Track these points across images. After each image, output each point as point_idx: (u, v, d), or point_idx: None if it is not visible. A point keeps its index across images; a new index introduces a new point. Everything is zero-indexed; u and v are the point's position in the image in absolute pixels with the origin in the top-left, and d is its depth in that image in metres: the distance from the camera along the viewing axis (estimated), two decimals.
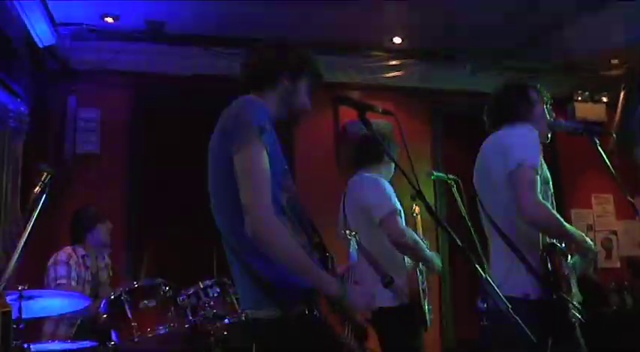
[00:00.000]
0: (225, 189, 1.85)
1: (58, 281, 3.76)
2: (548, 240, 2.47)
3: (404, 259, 3.23)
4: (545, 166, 2.53)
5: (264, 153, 1.80)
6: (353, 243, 2.83)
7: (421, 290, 3.24)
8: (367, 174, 3.29)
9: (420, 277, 3.27)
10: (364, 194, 3.23)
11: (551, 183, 2.56)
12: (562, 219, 2.40)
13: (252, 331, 1.89)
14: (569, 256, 2.54)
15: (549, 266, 2.38)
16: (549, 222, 2.37)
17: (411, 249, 3.10)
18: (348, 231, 3.05)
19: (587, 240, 2.53)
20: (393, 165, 3.32)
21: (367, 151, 3.33)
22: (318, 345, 1.77)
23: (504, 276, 2.41)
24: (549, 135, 2.71)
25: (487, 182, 2.60)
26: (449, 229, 1.86)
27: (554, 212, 2.40)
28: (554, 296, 2.36)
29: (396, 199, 3.16)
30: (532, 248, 2.44)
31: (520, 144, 2.44)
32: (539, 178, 2.39)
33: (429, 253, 3.23)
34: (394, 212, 3.09)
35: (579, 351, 2.47)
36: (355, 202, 3.28)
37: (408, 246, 3.08)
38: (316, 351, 1.77)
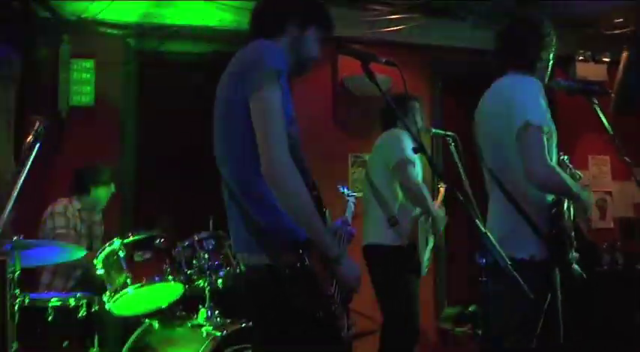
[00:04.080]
0: (234, 133, 1.85)
1: (57, 231, 3.77)
2: (551, 197, 2.43)
3: (413, 209, 3.54)
4: (549, 118, 2.43)
5: (280, 96, 1.79)
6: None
7: (421, 237, 3.51)
8: (394, 130, 3.63)
9: (424, 227, 3.53)
10: (385, 143, 3.63)
11: (555, 134, 2.47)
12: (567, 178, 2.37)
13: (245, 277, 1.92)
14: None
15: (555, 226, 2.36)
16: (557, 185, 2.33)
17: (418, 197, 3.43)
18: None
19: (588, 195, 2.48)
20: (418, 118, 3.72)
21: (389, 115, 3.71)
22: (303, 297, 1.77)
23: (508, 236, 2.36)
24: (546, 80, 2.61)
25: (489, 137, 2.54)
26: (448, 182, 1.85)
27: (562, 173, 2.35)
28: (560, 259, 2.35)
29: (412, 154, 3.41)
30: (537, 206, 2.39)
31: (526, 101, 2.35)
32: (544, 135, 2.32)
33: (435, 210, 3.52)
34: (407, 160, 3.41)
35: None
36: (376, 152, 3.69)
37: (416, 194, 3.42)
38: (301, 303, 1.78)
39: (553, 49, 2.58)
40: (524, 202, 2.39)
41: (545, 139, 2.31)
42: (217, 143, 1.95)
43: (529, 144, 2.29)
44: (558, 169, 2.35)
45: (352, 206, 3.12)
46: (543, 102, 2.38)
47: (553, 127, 2.45)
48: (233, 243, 1.99)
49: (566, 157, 2.78)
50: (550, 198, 2.42)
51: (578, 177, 2.73)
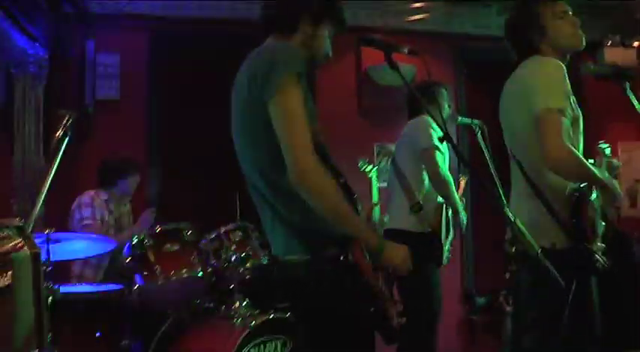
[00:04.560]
0: (254, 135, 1.82)
1: (85, 222, 3.81)
2: (574, 185, 2.38)
3: (436, 198, 3.55)
4: (575, 102, 2.38)
5: (302, 96, 1.77)
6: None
7: (444, 227, 3.53)
8: (420, 117, 3.60)
9: (445, 216, 3.55)
10: (412, 129, 3.61)
11: (581, 119, 2.42)
12: (588, 164, 2.31)
13: (278, 273, 1.90)
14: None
15: (577, 215, 2.32)
16: (576, 169, 2.27)
17: (443, 185, 3.42)
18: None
19: (615, 185, 2.42)
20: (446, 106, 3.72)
21: (415, 103, 3.67)
22: (348, 289, 1.75)
23: (530, 223, 2.27)
24: (573, 40, 2.50)
25: (510, 122, 2.51)
26: (474, 171, 1.83)
27: (581, 157, 2.29)
28: (580, 246, 2.30)
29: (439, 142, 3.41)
30: (558, 193, 2.35)
31: (545, 84, 2.30)
32: (566, 120, 2.27)
33: (458, 199, 3.51)
34: (434, 147, 3.38)
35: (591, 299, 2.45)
36: (404, 138, 3.68)
37: (440, 180, 3.41)
38: (346, 295, 1.76)
39: (567, 17, 2.50)
40: (544, 188, 2.34)
41: (564, 122, 2.26)
42: (238, 144, 1.93)
43: (546, 128, 2.25)
44: (577, 153, 2.29)
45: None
46: (564, 87, 2.31)
47: (579, 112, 2.40)
48: (271, 246, 1.96)
49: (605, 146, 2.73)
50: (573, 185, 2.37)
51: (615, 165, 2.66)
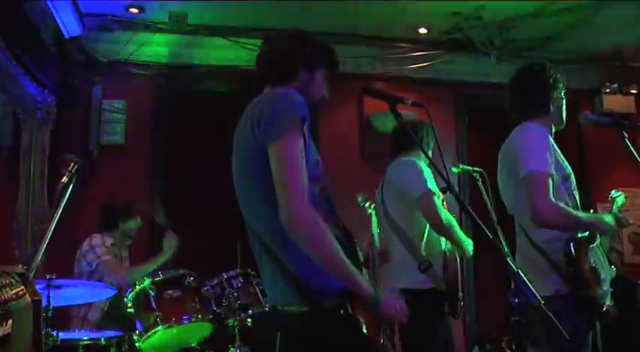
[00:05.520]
0: (257, 181, 1.82)
1: (103, 259, 3.79)
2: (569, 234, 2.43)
3: (440, 244, 3.25)
4: (564, 162, 2.51)
5: (302, 144, 1.78)
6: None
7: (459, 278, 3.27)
8: (404, 158, 3.31)
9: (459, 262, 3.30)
10: (401, 175, 3.27)
11: (572, 177, 2.55)
12: (575, 213, 2.41)
13: (278, 322, 1.87)
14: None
15: (571, 264, 2.36)
16: (563, 220, 2.38)
17: (446, 229, 3.11)
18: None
19: (605, 220, 2.51)
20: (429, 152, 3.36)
21: (404, 138, 3.32)
22: (346, 342, 1.74)
23: (531, 274, 2.32)
24: (564, 121, 2.67)
25: (504, 183, 2.64)
26: (479, 221, 1.84)
27: (567, 210, 2.39)
28: (582, 292, 2.35)
29: (433, 181, 3.15)
30: (553, 243, 2.43)
31: (529, 151, 2.43)
32: (551, 180, 2.38)
33: (463, 236, 3.23)
34: (430, 192, 3.09)
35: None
36: (393, 185, 3.32)
37: (443, 226, 3.09)
38: (344, 348, 1.74)
39: (563, 88, 2.65)
40: (541, 240, 2.44)
41: (550, 182, 2.37)
42: (239, 190, 1.93)
43: (531, 190, 2.37)
44: (561, 205, 2.38)
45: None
46: (548, 151, 2.44)
47: (568, 171, 2.52)
48: (269, 294, 1.93)
49: (617, 194, 2.79)
50: (568, 235, 2.43)
51: (625, 222, 2.70)
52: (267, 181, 1.77)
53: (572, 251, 2.38)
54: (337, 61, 2.09)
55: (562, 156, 2.54)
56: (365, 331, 1.77)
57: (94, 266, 3.79)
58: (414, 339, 3.15)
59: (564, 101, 2.65)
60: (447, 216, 3.13)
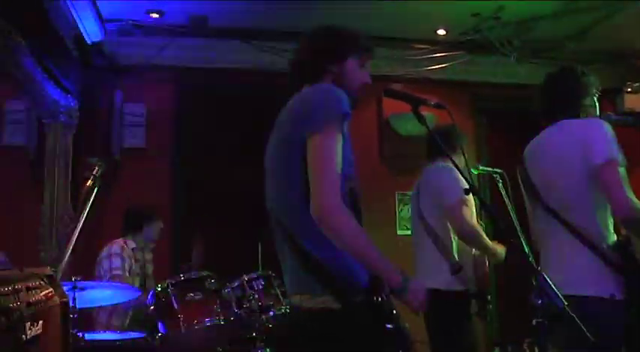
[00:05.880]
0: (290, 171, 1.84)
1: (114, 273, 3.85)
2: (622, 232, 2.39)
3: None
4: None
5: (341, 140, 1.80)
6: None
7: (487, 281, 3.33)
8: (443, 164, 3.38)
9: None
10: (439, 181, 3.34)
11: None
12: None
13: (304, 322, 1.86)
14: None
15: (629, 262, 2.30)
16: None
17: (474, 240, 3.21)
18: None
19: None
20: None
21: (444, 142, 3.26)
22: (380, 335, 1.74)
23: (581, 275, 2.32)
24: None
25: (552, 177, 2.50)
26: (502, 224, 1.84)
27: None
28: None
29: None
30: (607, 244, 2.34)
31: (602, 140, 2.35)
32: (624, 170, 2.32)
33: (490, 244, 3.27)
34: (461, 201, 3.18)
35: None
36: (430, 188, 3.41)
37: (472, 237, 3.19)
38: (378, 341, 1.74)
39: (595, 93, 2.61)
40: (593, 237, 2.35)
41: (625, 174, 2.31)
42: (270, 180, 1.96)
43: (611, 180, 2.29)
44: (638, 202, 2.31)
45: None
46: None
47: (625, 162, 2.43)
48: (288, 285, 1.94)
49: None
50: (614, 236, 2.38)
51: None
52: (300, 172, 1.80)
53: (626, 247, 2.33)
54: (366, 43, 2.08)
55: None
56: (395, 321, 1.77)
57: (106, 277, 3.85)
58: (441, 338, 3.26)
59: (597, 108, 2.60)
60: (473, 225, 3.20)
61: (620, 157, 2.32)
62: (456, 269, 3.19)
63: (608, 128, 2.40)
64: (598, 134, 2.38)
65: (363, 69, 2.07)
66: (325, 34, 2.08)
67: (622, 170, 2.31)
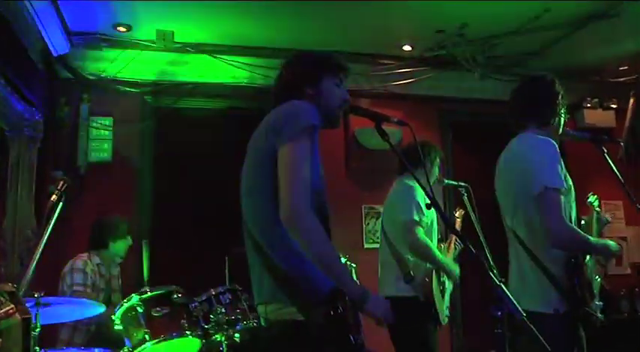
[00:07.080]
0: (263, 181, 1.89)
1: (75, 289, 3.79)
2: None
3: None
4: (567, 174, 2.49)
5: (310, 149, 1.87)
6: None
7: (436, 289, 3.49)
8: (406, 180, 3.57)
9: (436, 277, 3.51)
10: (396, 198, 3.60)
11: (572, 189, 2.53)
12: (586, 236, 2.43)
13: (269, 333, 1.89)
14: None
15: (575, 280, 2.38)
16: (576, 244, 2.40)
17: (428, 258, 3.43)
18: None
19: (610, 245, 2.52)
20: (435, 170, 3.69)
21: (409, 159, 3.40)
22: (341, 347, 1.77)
23: (531, 291, 2.42)
24: (560, 132, 2.69)
25: (508, 197, 2.58)
26: (463, 237, 1.89)
27: (579, 232, 2.42)
28: (581, 310, 2.37)
29: (422, 208, 3.40)
30: (556, 261, 2.42)
31: (542, 164, 2.41)
32: (562, 196, 2.38)
33: (445, 261, 3.51)
34: (412, 221, 3.39)
35: None
36: (389, 203, 3.67)
37: (419, 251, 3.42)
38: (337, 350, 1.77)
39: (564, 105, 2.66)
40: (543, 256, 2.42)
41: (562, 200, 2.37)
42: (244, 192, 1.99)
43: (546, 208, 2.35)
44: (575, 228, 2.41)
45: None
46: (559, 164, 2.43)
47: (570, 183, 2.51)
48: (256, 294, 1.97)
49: (594, 198, 2.86)
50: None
51: (605, 221, 2.78)
52: (273, 185, 1.85)
53: (575, 270, 2.40)
54: (338, 63, 2.16)
55: (565, 168, 2.51)
56: (353, 333, 1.80)
57: (68, 293, 3.79)
58: (401, 343, 3.48)
59: (564, 116, 2.65)
60: (424, 241, 3.39)
61: (558, 183, 2.37)
62: (408, 279, 3.44)
63: (550, 147, 2.44)
64: (538, 156, 2.44)
65: (340, 87, 2.14)
66: (300, 59, 2.17)
67: (558, 196, 2.36)
